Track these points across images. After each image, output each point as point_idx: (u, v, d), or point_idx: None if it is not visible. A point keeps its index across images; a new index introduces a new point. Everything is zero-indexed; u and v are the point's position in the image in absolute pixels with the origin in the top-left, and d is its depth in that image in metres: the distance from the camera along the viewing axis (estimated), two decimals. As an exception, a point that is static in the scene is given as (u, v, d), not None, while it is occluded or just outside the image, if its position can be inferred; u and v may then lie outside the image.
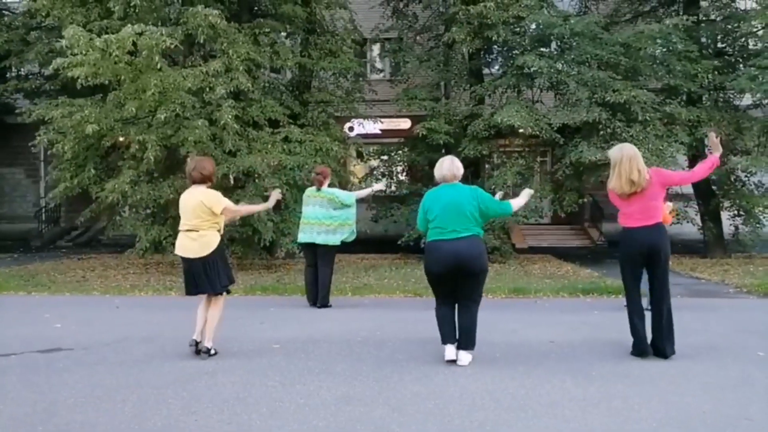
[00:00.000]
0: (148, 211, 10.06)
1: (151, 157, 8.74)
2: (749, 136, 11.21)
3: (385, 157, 13.55)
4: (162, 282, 9.00)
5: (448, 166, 4.42)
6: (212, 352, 4.58)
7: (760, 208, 11.50)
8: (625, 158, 4.40)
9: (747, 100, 12.16)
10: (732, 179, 12.11)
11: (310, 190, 6.84)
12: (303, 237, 6.75)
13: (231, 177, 9.34)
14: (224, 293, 4.68)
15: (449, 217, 4.25)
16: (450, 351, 4.36)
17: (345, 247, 12.82)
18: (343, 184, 12.27)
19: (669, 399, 3.59)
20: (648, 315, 4.59)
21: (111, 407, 3.44)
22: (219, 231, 4.62)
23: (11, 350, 4.74)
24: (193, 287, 4.60)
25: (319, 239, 6.63)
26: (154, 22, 9.26)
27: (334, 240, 6.67)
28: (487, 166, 13.59)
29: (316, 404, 3.49)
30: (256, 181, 9.39)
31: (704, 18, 12.14)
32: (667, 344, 4.48)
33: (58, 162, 10.38)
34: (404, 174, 14.09)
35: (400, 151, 13.42)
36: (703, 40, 12.23)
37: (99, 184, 9.67)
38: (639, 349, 4.52)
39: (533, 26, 11.57)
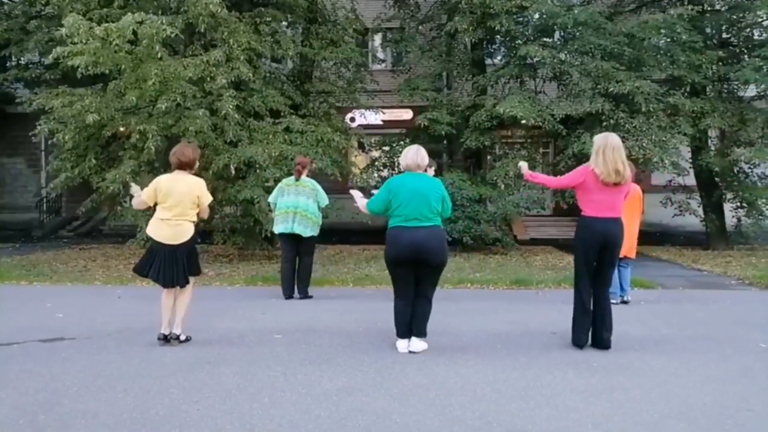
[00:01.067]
0: (149, 201, 10.03)
1: (152, 147, 8.71)
2: (753, 127, 11.15)
3: (386, 148, 13.51)
4: (163, 272, 9.00)
5: (413, 156, 4.42)
6: (183, 338, 4.61)
7: (763, 200, 11.47)
8: (609, 147, 4.40)
9: (751, 91, 12.07)
10: (735, 171, 12.05)
11: (290, 180, 6.73)
12: (283, 227, 6.55)
13: (232, 167, 9.31)
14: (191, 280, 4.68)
15: (413, 205, 4.27)
16: (403, 344, 4.42)
17: (346, 238, 12.89)
18: (345, 175, 12.27)
19: (670, 391, 3.59)
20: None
21: (113, 396, 3.44)
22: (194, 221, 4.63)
23: (13, 339, 4.75)
24: (169, 278, 4.50)
25: (299, 230, 6.51)
26: (155, 10, 9.20)
27: (311, 232, 6.62)
28: (489, 157, 13.54)
29: (318, 394, 3.49)
30: (257, 171, 9.36)
31: (709, 8, 12.03)
32: (609, 334, 4.52)
33: (58, 152, 10.35)
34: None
35: (401, 142, 13.37)
36: (708, 30, 12.13)
37: (100, 174, 9.65)
38: (575, 339, 4.54)
39: (536, 16, 11.47)
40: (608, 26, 10.84)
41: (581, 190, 4.53)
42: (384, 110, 14.04)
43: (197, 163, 4.69)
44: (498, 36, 12.33)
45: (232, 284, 8.00)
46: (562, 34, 11.66)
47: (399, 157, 13.42)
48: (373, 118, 14.10)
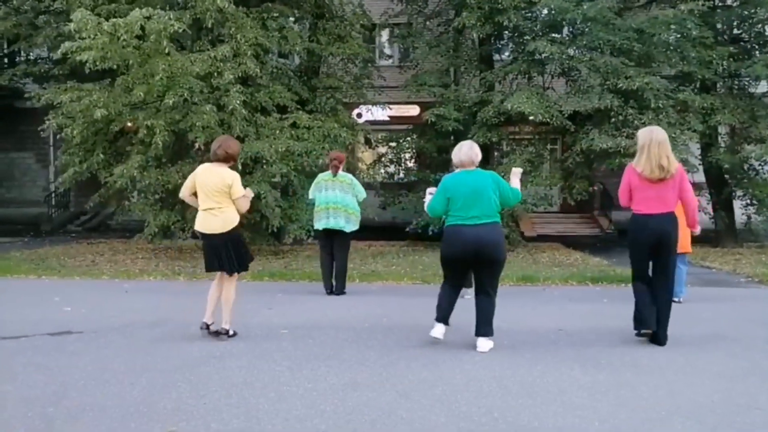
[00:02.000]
0: (157, 196, 10.08)
1: (159, 143, 8.74)
2: (764, 124, 11.04)
3: (393, 144, 13.48)
4: (170, 267, 9.05)
5: (467, 152, 4.36)
6: (231, 332, 4.64)
7: (774, 197, 11.36)
8: (654, 142, 4.35)
9: (762, 87, 11.96)
10: (745, 168, 11.95)
11: (326, 175, 6.72)
12: (324, 223, 6.59)
13: (239, 162, 9.32)
14: (236, 273, 4.71)
15: (472, 203, 4.22)
16: (440, 329, 4.38)
17: (352, 234, 12.88)
18: (351, 171, 12.25)
19: (678, 388, 3.57)
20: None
21: (120, 390, 3.46)
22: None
23: (22, 333, 4.78)
24: (216, 263, 4.61)
25: (341, 225, 6.56)
26: (162, 5, 9.21)
27: (353, 227, 6.67)
28: (496, 153, 13.49)
29: (324, 389, 3.49)
30: (264, 167, 9.37)
31: (720, 3, 11.92)
32: (665, 332, 4.50)
33: (67, 147, 10.41)
34: (413, 161, 14.03)
35: (408, 138, 13.35)
36: (719, 26, 12.01)
37: (108, 169, 9.70)
38: (642, 323, 4.50)
39: (545, 11, 11.39)
40: (618, 22, 10.75)
41: (630, 189, 4.50)
42: (391, 106, 14.03)
43: (238, 159, 4.78)
44: (506, 31, 12.27)
45: (239, 279, 7.99)
46: (571, 29, 11.57)
47: (407, 152, 13.43)
48: (380, 113, 14.08)
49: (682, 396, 3.43)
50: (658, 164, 4.31)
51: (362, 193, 6.72)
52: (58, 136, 11.53)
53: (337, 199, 6.58)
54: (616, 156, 10.23)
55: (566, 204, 12.28)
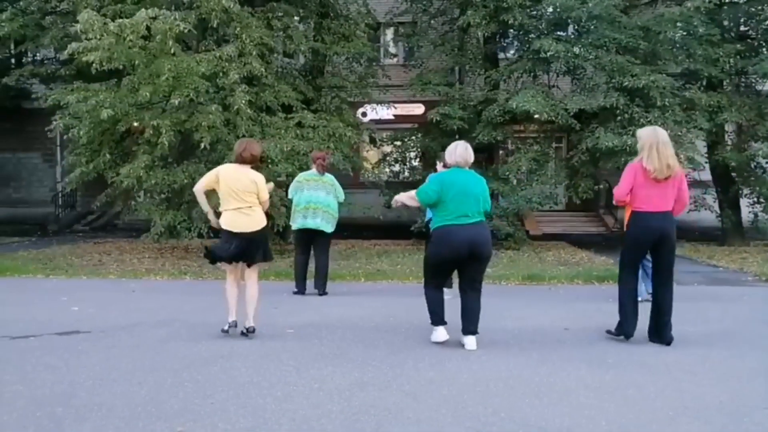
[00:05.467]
0: (163, 196, 10.12)
1: (166, 143, 8.77)
2: (771, 122, 10.97)
3: (398, 143, 13.46)
4: (177, 266, 9.08)
5: (462, 152, 4.45)
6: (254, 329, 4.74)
7: (781, 196, 11.29)
8: (662, 142, 4.38)
9: (770, 85, 11.88)
10: (752, 166, 11.88)
11: (311, 174, 6.64)
12: (305, 222, 6.50)
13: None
14: (258, 269, 4.92)
15: (463, 202, 4.31)
16: (442, 332, 4.48)
17: (357, 233, 12.90)
18: (357, 170, 12.26)
19: (685, 388, 3.56)
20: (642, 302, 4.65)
21: (128, 390, 3.48)
22: None
23: (30, 332, 4.82)
24: (243, 257, 4.75)
25: (322, 225, 6.52)
26: (168, 6, 9.24)
27: (332, 228, 6.65)
28: (501, 152, 13.46)
29: (330, 389, 3.50)
30: (269, 166, 9.39)
31: (727, 0, 11.83)
32: (670, 331, 4.51)
33: (73, 147, 10.46)
34: (417, 160, 14.01)
35: (413, 137, 13.32)
36: (726, 23, 11.92)
37: (114, 169, 9.73)
38: (626, 330, 4.55)
39: (550, 9, 11.35)
40: (623, 19, 10.71)
41: (633, 187, 4.49)
42: (395, 105, 14.02)
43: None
44: (511, 30, 12.22)
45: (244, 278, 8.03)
46: (577, 27, 11.52)
47: (411, 151, 13.41)
48: (385, 113, 14.06)
49: (689, 396, 3.42)
50: (666, 163, 4.34)
51: (342, 195, 6.74)
52: (65, 137, 11.57)
53: (320, 200, 6.52)
54: (621, 154, 10.17)
55: (572, 202, 12.26)
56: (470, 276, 4.43)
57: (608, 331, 4.71)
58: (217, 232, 4.86)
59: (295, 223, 6.61)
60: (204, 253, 4.84)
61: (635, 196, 4.47)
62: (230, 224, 4.68)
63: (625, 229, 4.65)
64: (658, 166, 4.34)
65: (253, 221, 4.69)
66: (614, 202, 4.71)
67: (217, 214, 4.86)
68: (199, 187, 4.82)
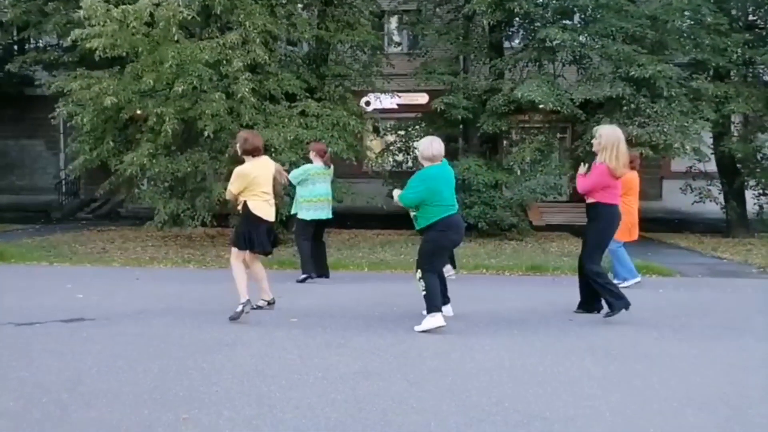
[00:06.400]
0: (166, 184, 10.10)
1: (169, 130, 8.73)
2: (778, 113, 10.88)
3: (401, 132, 13.40)
4: (180, 254, 9.10)
5: (438, 147, 4.72)
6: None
7: (787, 188, 11.23)
8: (622, 142, 4.89)
9: (777, 75, 11.77)
10: (758, 157, 11.79)
11: (320, 168, 6.88)
12: (320, 214, 6.84)
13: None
14: None
15: (450, 192, 4.71)
16: (448, 310, 4.85)
17: (360, 223, 12.89)
18: (360, 160, 12.21)
19: (690, 379, 3.56)
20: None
21: (133, 377, 3.50)
22: None
23: (36, 319, 4.84)
24: (269, 245, 5.13)
25: (329, 215, 6.97)
26: (171, -8, 9.14)
27: None
28: (505, 142, 13.38)
29: (334, 378, 3.51)
30: (273, 155, 9.35)
31: (735, -11, 11.69)
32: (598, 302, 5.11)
33: (77, 134, 10.43)
34: (421, 149, 13.93)
35: (417, 126, 13.25)
36: (734, 12, 11.78)
37: (118, 157, 9.70)
38: (625, 303, 4.86)
39: (556, -3, 11.24)
40: (630, 8, 10.58)
41: (605, 184, 4.94)
42: (399, 94, 13.92)
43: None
44: (517, 18, 12.09)
45: (248, 267, 8.04)
46: (583, 16, 11.40)
47: (415, 141, 13.33)
48: (389, 102, 13.98)
49: (694, 387, 3.42)
50: (625, 162, 4.92)
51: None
52: (68, 124, 11.51)
53: (328, 192, 6.92)
54: (627, 145, 10.12)
55: (575, 193, 12.17)
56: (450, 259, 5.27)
57: (607, 315, 4.92)
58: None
59: (308, 215, 6.83)
60: (243, 245, 5.00)
61: (607, 194, 4.93)
62: (266, 213, 4.99)
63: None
64: (620, 163, 4.84)
65: (275, 210, 5.12)
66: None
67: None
68: (235, 193, 5.00)
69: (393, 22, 16.60)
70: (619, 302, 4.83)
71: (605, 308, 4.97)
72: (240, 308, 4.78)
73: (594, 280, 4.94)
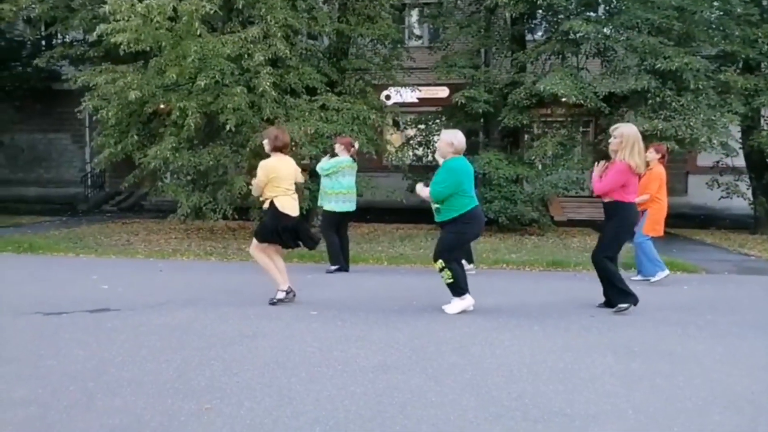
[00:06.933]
0: (189, 177, 10.24)
1: (192, 124, 8.84)
2: (810, 106, 10.57)
3: (422, 126, 13.36)
4: (202, 247, 9.22)
5: (461, 139, 4.87)
6: None
7: (818, 183, 10.92)
8: (639, 139, 4.90)
9: (810, 67, 11.42)
10: (789, 152, 11.49)
11: (348, 161, 7.01)
12: (347, 206, 7.02)
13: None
14: None
15: (471, 185, 4.87)
16: (470, 298, 4.96)
17: (380, 216, 12.90)
18: (380, 154, 12.21)
19: (715, 378, 3.49)
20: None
21: (156, 367, 3.56)
22: None
23: (63, 309, 4.95)
24: (294, 241, 5.30)
25: (354, 207, 7.11)
26: (194, -13, 9.22)
27: None
28: (526, 136, 13.25)
29: (354, 371, 3.52)
30: (294, 149, 9.40)
31: (767, -22, 11.36)
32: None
33: (102, 128, 10.62)
34: (441, 143, 13.86)
35: (437, 121, 13.20)
36: (765, 2, 11.46)
37: (142, 150, 9.87)
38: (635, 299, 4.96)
39: (580, -11, 11.06)
40: (656, -1, 10.37)
41: (625, 182, 4.95)
42: (420, 88, 13.88)
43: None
44: (539, 10, 11.94)
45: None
46: (607, 7, 11.21)
47: (435, 135, 13.26)
48: (409, 95, 13.94)
49: (719, 386, 3.36)
50: (644, 160, 5.00)
51: None
52: (93, 118, 11.74)
53: (354, 185, 7.14)
54: (652, 139, 9.90)
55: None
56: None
57: (617, 309, 4.98)
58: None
59: (336, 206, 6.97)
60: (268, 238, 5.17)
61: (627, 192, 4.92)
62: (291, 209, 5.14)
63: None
64: (640, 161, 4.87)
65: (297, 205, 5.26)
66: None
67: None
68: (262, 186, 5.11)
69: (414, 15, 16.52)
70: (627, 298, 4.93)
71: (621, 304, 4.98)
72: (282, 295, 5.13)
73: (602, 270, 5.06)
